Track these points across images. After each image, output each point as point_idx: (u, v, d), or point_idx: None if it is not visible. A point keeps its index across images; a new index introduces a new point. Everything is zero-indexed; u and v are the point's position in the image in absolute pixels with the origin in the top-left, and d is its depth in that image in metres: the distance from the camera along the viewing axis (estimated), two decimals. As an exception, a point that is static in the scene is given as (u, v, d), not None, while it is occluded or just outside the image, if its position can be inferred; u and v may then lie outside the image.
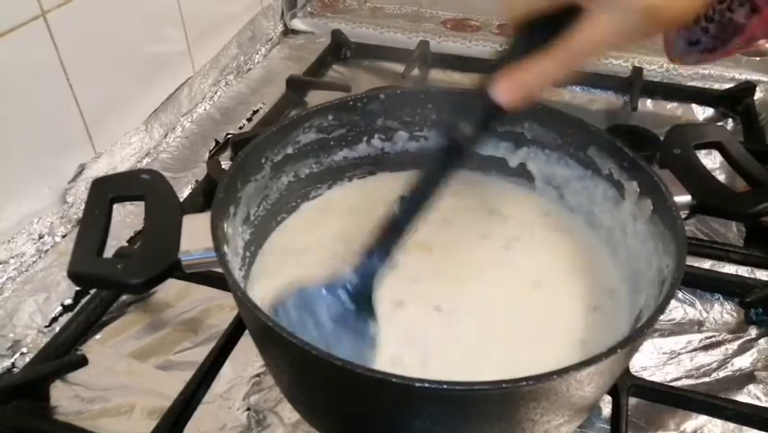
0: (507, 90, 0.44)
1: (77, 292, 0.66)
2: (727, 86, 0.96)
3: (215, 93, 0.97)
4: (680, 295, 0.66)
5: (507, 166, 0.64)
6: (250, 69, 1.05)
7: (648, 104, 0.96)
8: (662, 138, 0.74)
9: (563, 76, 0.43)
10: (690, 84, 0.98)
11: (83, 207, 0.52)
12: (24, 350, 0.61)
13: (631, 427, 0.54)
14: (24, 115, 0.69)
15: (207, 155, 0.86)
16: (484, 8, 1.16)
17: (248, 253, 0.55)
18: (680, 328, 0.63)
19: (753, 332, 0.63)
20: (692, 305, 0.65)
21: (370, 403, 0.43)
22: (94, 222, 0.51)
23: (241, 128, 0.91)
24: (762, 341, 0.62)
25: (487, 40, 1.07)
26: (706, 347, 0.61)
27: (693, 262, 0.68)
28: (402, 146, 0.64)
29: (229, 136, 0.88)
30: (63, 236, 0.73)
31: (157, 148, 0.86)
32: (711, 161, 0.78)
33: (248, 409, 0.56)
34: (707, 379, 0.59)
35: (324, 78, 1.03)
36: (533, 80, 0.43)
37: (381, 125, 0.62)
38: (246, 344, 0.59)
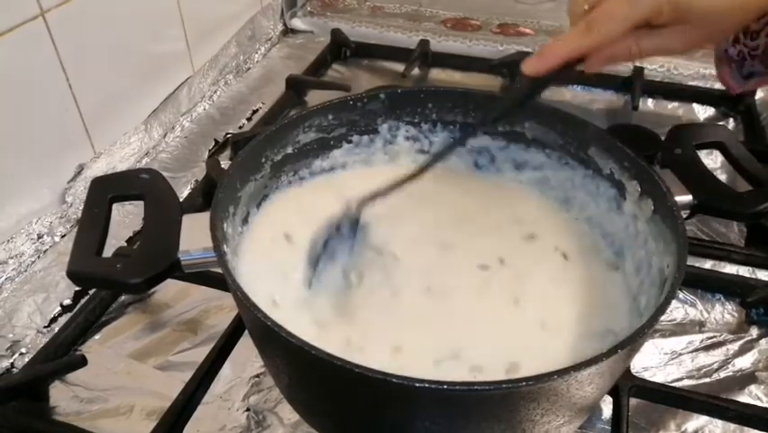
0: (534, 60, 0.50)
1: (76, 292, 0.66)
2: (728, 85, 0.96)
3: (215, 92, 0.97)
4: (681, 295, 0.66)
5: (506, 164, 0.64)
6: (249, 69, 1.05)
7: (649, 103, 0.96)
8: (662, 138, 0.74)
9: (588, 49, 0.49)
10: (691, 83, 0.98)
11: (82, 206, 0.52)
12: (23, 350, 0.61)
13: (632, 427, 0.54)
14: (23, 114, 0.68)
15: (207, 155, 0.86)
16: (484, 7, 1.16)
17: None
18: (681, 329, 0.63)
19: (754, 332, 0.63)
20: (693, 305, 0.65)
21: (369, 403, 0.42)
22: (93, 221, 0.50)
23: (240, 128, 0.91)
24: (763, 341, 0.62)
25: (487, 39, 1.07)
26: (707, 348, 0.61)
27: (694, 262, 0.68)
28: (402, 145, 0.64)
29: (228, 136, 0.88)
30: (62, 236, 0.73)
31: (156, 148, 0.86)
32: (712, 160, 0.78)
33: (247, 409, 0.56)
34: (708, 379, 0.59)
35: (323, 78, 1.02)
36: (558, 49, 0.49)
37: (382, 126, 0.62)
38: (245, 344, 0.59)
